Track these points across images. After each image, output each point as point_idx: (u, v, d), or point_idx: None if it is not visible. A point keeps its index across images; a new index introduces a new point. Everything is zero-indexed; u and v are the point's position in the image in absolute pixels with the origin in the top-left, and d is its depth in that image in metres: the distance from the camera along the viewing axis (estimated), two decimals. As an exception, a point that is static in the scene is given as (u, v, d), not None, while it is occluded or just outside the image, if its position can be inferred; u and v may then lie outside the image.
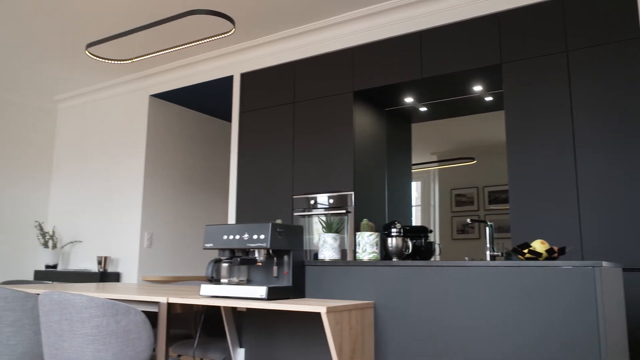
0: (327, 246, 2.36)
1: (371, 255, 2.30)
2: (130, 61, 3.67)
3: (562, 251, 1.96)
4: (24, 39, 4.70)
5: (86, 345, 2.02)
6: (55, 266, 5.81)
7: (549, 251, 1.96)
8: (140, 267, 5.26)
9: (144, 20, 4.28)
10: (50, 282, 4.52)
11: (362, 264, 2.15)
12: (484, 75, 3.66)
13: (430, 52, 3.73)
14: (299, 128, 4.27)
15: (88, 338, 2.02)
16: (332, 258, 2.36)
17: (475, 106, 4.17)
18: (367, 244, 2.31)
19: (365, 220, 2.35)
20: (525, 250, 1.97)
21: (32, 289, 2.63)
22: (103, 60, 3.66)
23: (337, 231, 2.43)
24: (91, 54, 3.59)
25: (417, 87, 3.90)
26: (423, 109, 4.31)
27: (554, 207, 3.11)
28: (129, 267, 5.31)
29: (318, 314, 2.18)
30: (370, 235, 2.31)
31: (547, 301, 1.80)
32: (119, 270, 5.39)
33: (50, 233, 6.06)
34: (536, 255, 1.95)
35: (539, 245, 1.96)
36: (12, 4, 4.05)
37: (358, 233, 2.35)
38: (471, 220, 3.30)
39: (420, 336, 2.00)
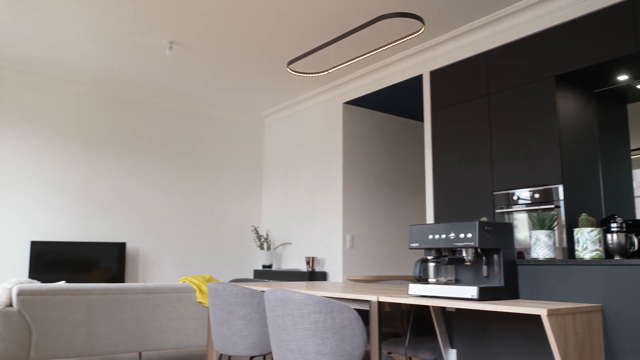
0: (540, 244, 2.21)
1: (594, 254, 2.08)
2: (326, 73, 3.89)
3: None
4: (234, 64, 5.29)
5: (307, 339, 2.18)
6: (270, 266, 6.42)
7: None
8: (344, 267, 5.53)
9: (336, 32, 4.50)
10: (267, 280, 5.00)
11: (586, 263, 1.96)
12: None
13: (649, 21, 3.26)
14: (496, 121, 4.07)
15: (308, 332, 2.17)
16: (546, 257, 2.20)
17: None
18: (587, 241, 2.10)
19: (584, 215, 2.14)
20: None
21: (255, 287, 2.93)
22: (303, 75, 3.94)
23: (550, 228, 2.26)
24: (292, 70, 3.89)
25: (633, 62, 3.44)
26: (642, 86, 3.79)
27: None
28: (334, 267, 5.62)
29: (536, 317, 2.04)
30: (592, 231, 2.09)
31: None
32: (325, 269, 5.73)
33: (265, 236, 6.71)
34: None
35: None
36: (222, 37, 4.60)
37: (576, 229, 2.15)
38: None
39: (662, 345, 1.75)
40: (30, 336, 3.57)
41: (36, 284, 3.68)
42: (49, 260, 5.40)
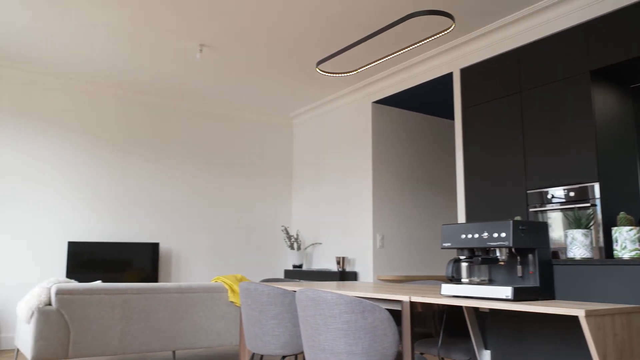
0: (576, 243, 2.16)
1: (633, 253, 2.03)
2: (355, 72, 3.88)
3: None
4: (263, 65, 5.33)
5: (339, 339, 2.18)
6: (300, 266, 6.44)
7: None
8: (374, 267, 5.51)
9: (364, 31, 4.49)
10: (298, 280, 5.01)
11: (625, 262, 1.90)
12: None
13: (689, 12, 3.15)
14: (529, 118, 4.00)
15: (340, 332, 2.17)
16: (583, 256, 2.15)
17: None
18: (626, 240, 2.04)
19: (622, 214, 2.09)
20: None
21: (287, 286, 2.95)
22: (332, 75, 3.94)
23: (586, 227, 2.21)
24: (321, 70, 3.89)
25: (674, 55, 3.33)
26: (682, 80, 3.66)
27: None
28: (365, 267, 5.60)
29: (573, 318, 2.00)
30: (631, 230, 2.04)
31: None
32: (355, 269, 5.72)
33: (295, 236, 6.73)
34: None
35: None
36: (251, 39, 4.63)
37: (614, 228, 2.09)
38: None
39: None
40: (69, 334, 3.66)
41: (73, 284, 3.77)
42: (84, 260, 5.53)
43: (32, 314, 3.61)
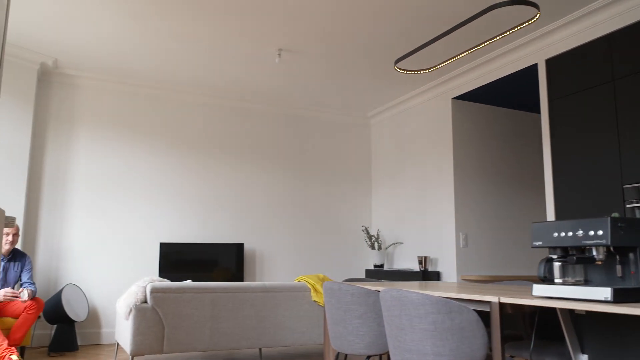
0: (684, 241, 1.99)
1: None
2: (435, 69, 3.81)
3: None
4: (341, 66, 5.36)
5: (425, 339, 2.15)
6: (382, 266, 6.41)
7: None
8: (458, 266, 5.38)
9: (443, 26, 4.40)
10: (379, 280, 4.99)
11: None
12: None
13: None
14: (623, 108, 3.75)
15: (426, 333, 2.14)
16: (692, 255, 1.98)
17: None
18: None
19: None
20: None
21: (369, 286, 2.94)
22: (410, 73, 3.90)
23: (695, 223, 2.03)
24: (399, 68, 3.86)
25: None
26: None
27: None
28: (448, 267, 5.49)
29: (682, 322, 1.85)
30: None
31: None
32: (438, 269, 5.62)
33: (375, 236, 6.71)
34: None
35: None
36: (329, 41, 4.67)
37: None
38: None
39: None
40: (163, 330, 3.87)
41: (166, 283, 3.98)
42: (174, 260, 5.82)
43: (130, 310, 3.85)
